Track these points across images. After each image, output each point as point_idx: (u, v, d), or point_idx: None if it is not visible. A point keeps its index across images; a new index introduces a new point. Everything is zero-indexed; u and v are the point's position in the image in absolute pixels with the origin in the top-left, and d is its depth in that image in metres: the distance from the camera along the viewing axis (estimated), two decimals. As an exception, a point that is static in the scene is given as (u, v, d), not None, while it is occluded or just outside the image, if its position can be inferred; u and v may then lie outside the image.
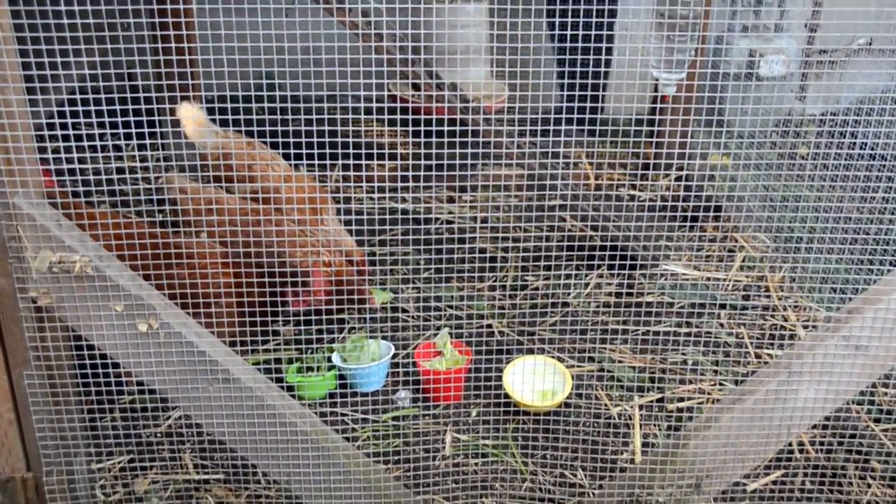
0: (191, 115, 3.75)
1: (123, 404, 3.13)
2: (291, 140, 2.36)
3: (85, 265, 2.19)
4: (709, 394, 3.27)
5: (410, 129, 5.06)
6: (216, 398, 2.37)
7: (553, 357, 3.39)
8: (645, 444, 3.03)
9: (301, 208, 3.59)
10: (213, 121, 3.82)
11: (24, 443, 2.44)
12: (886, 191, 3.53)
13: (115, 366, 2.46)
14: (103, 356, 2.40)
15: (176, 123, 3.71)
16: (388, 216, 4.44)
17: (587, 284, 3.94)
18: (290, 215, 3.53)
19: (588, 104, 4.49)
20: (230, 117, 3.78)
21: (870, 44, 4.35)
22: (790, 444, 3.00)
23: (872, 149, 3.55)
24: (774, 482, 2.87)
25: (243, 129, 3.78)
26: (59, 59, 2.06)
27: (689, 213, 4.35)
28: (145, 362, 2.32)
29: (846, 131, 3.62)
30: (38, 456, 2.44)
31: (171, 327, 2.29)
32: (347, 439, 2.94)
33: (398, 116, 5.14)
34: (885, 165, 3.49)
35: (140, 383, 3.06)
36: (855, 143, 3.62)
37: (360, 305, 3.50)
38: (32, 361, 2.33)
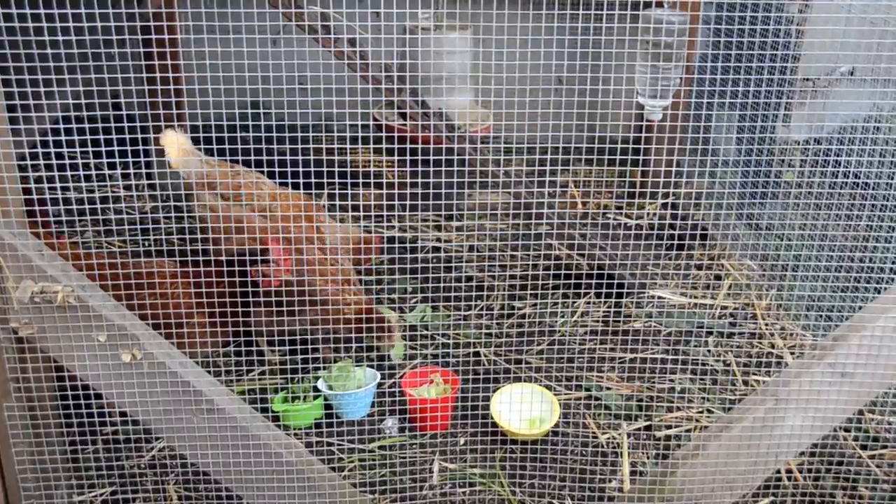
0: (175, 143, 3.69)
1: (106, 435, 3.10)
2: (277, 169, 2.36)
3: (67, 295, 2.18)
4: (697, 421, 3.26)
5: (396, 157, 5.07)
6: (201, 429, 2.35)
7: (541, 384, 3.38)
8: (633, 472, 3.01)
9: (297, 226, 3.60)
10: (199, 148, 3.81)
11: (3, 476, 2.41)
12: (870, 218, 3.54)
13: (98, 396, 2.44)
14: (86, 387, 2.38)
15: (161, 152, 3.70)
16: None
17: (574, 311, 3.93)
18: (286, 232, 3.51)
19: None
20: (215, 147, 3.77)
21: (852, 72, 4.40)
22: (778, 471, 2.99)
23: (857, 175, 3.58)
24: (763, 510, 2.86)
25: (229, 157, 3.77)
26: (42, 89, 2.06)
27: (675, 241, 4.36)
28: (128, 393, 2.30)
29: (830, 159, 3.64)
30: (18, 489, 2.41)
31: (154, 357, 2.27)
32: (334, 469, 2.91)
33: (384, 146, 5.15)
34: (868, 193, 3.51)
35: (123, 414, 3.02)
36: (838, 172, 3.65)
37: (379, 342, 3.51)
38: (13, 393, 2.31)
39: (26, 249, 2.16)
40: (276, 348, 3.61)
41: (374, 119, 4.93)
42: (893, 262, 3.25)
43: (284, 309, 3.24)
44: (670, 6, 3.80)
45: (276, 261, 3.16)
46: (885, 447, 3.11)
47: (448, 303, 3.94)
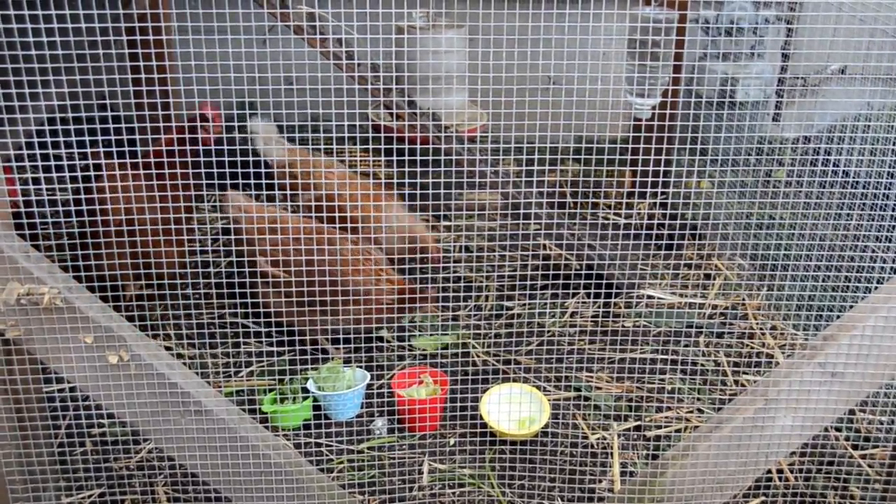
0: (263, 131, 3.97)
1: (94, 437, 3.08)
2: (264, 170, 2.35)
3: (54, 297, 2.16)
4: (687, 421, 3.26)
5: (383, 157, 5.06)
6: (188, 430, 2.34)
7: (531, 384, 3.37)
8: (623, 473, 3.01)
9: (374, 205, 3.87)
10: (282, 136, 4.08)
11: (-10, 479, 2.39)
12: (860, 216, 3.55)
13: (85, 398, 2.43)
14: (73, 389, 2.37)
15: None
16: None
17: (565, 311, 3.93)
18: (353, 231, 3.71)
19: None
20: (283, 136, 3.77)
21: (843, 70, 4.41)
22: (769, 472, 2.99)
23: (847, 174, 3.58)
24: (754, 510, 2.86)
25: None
26: (27, 91, 2.04)
27: (665, 241, 4.36)
28: (116, 395, 2.28)
29: (820, 158, 3.65)
30: (6, 491, 2.39)
31: (142, 359, 2.25)
32: (323, 470, 2.90)
33: (370, 146, 5.14)
34: (859, 192, 3.51)
35: (111, 416, 3.01)
36: (827, 170, 3.65)
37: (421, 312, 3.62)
38: (-1, 395, 2.29)
39: (12, 251, 2.15)
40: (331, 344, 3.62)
41: (369, 119, 4.93)
42: (884, 262, 3.25)
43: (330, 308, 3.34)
44: (658, 5, 3.79)
45: (208, 118, 3.35)
46: (875, 447, 3.12)
47: (438, 303, 3.93)
